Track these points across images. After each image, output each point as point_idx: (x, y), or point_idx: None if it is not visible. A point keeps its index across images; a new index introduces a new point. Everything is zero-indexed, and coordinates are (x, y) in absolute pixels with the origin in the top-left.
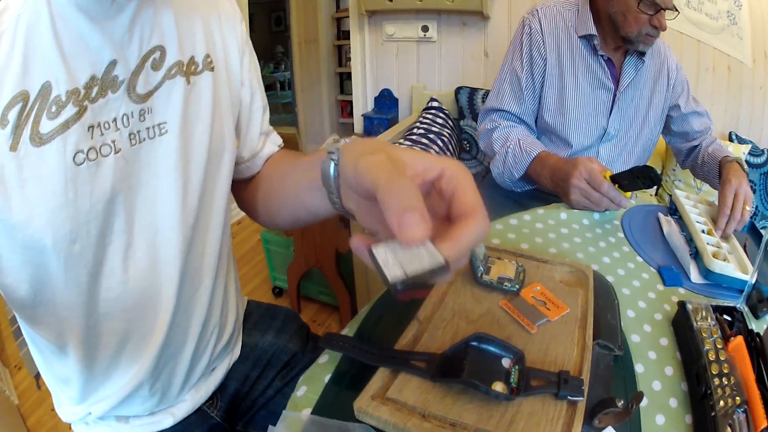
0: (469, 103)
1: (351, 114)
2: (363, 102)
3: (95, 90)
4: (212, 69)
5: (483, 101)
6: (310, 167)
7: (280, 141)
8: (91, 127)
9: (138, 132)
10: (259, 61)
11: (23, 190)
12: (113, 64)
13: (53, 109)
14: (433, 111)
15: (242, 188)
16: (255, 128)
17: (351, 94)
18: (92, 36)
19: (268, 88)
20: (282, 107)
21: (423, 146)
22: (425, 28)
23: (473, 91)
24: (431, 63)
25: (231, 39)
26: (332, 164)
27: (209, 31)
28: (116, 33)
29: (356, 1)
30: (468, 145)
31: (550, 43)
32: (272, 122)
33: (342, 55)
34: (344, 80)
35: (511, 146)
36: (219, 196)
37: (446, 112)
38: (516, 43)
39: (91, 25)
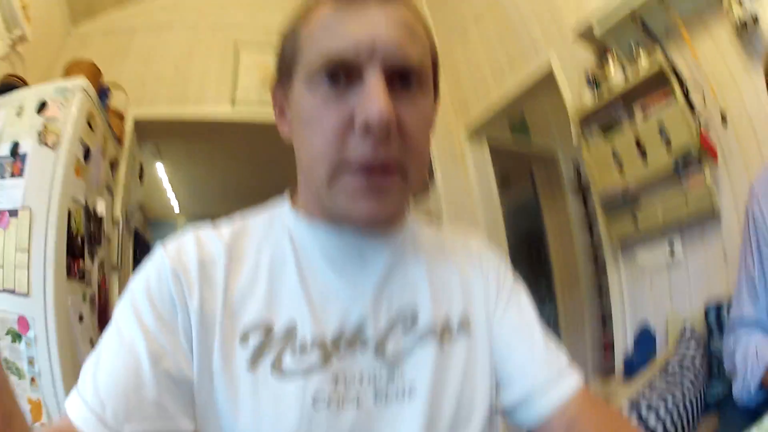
0: (716, 321)
1: (613, 353)
2: (623, 342)
3: (342, 344)
4: (467, 333)
5: (728, 314)
6: None
7: (575, 384)
8: (335, 378)
9: (385, 393)
10: None
11: (256, 408)
12: (362, 322)
13: (298, 350)
14: (685, 340)
15: None
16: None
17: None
18: (340, 289)
19: None
20: None
21: (676, 382)
22: (672, 248)
23: (719, 307)
24: (681, 285)
25: (492, 291)
26: None
27: (467, 290)
28: (366, 291)
29: (607, 234)
30: (717, 369)
31: None
32: None
33: (603, 292)
34: (606, 318)
35: (749, 357)
36: None
37: (697, 336)
38: (744, 237)
39: (339, 278)
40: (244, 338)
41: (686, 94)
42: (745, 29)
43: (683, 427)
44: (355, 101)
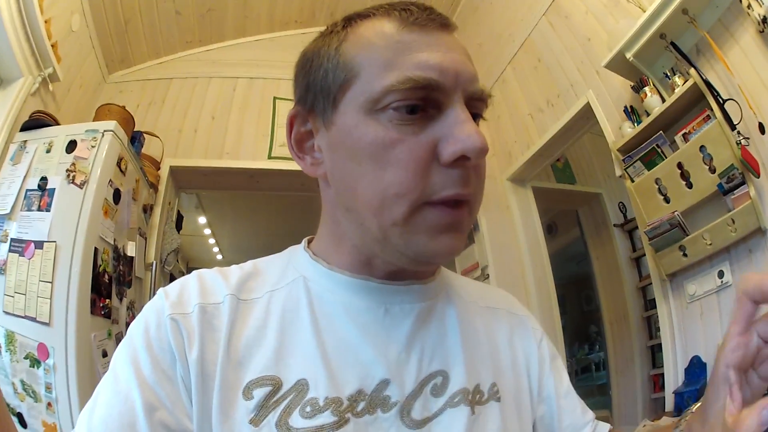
0: None
1: (662, 388)
2: (674, 375)
3: (362, 405)
4: (498, 399)
5: None
6: None
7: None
8: None
9: None
10: (573, 343)
11: None
12: (386, 383)
13: (308, 409)
14: None
15: None
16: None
17: (662, 366)
18: (362, 347)
19: (584, 370)
20: (597, 389)
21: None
22: (721, 274)
23: None
24: (732, 310)
25: (530, 357)
26: None
27: (497, 355)
28: (391, 350)
29: (656, 268)
30: None
31: None
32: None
33: (651, 326)
34: (655, 353)
35: None
36: None
37: None
38: None
39: (361, 335)
40: (248, 392)
41: (723, 109)
42: (767, 24)
43: None
44: (439, 131)
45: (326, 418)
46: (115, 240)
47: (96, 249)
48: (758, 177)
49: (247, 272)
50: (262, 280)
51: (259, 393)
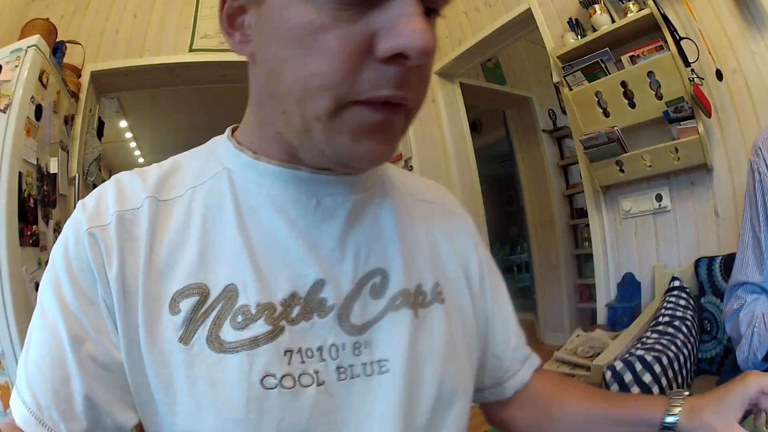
0: (708, 275)
1: (590, 298)
2: (606, 289)
3: (296, 310)
4: (442, 301)
5: (720, 270)
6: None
7: (537, 363)
8: (288, 352)
9: (350, 367)
10: (494, 244)
11: (192, 388)
12: (320, 283)
13: (239, 319)
14: (675, 293)
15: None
16: (504, 353)
17: (589, 277)
18: (291, 244)
19: (506, 270)
20: (520, 291)
21: (669, 336)
22: (659, 197)
23: (711, 261)
24: (669, 236)
25: (469, 259)
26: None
27: (437, 253)
28: (323, 246)
29: (589, 178)
30: (709, 325)
31: None
32: None
33: (577, 235)
34: (582, 263)
35: (756, 325)
36: None
37: (687, 290)
38: (749, 195)
39: (290, 229)
40: (174, 305)
41: (679, 45)
42: None
43: (678, 385)
44: (380, 22)
45: (259, 327)
46: (38, 159)
47: (20, 173)
48: (709, 117)
49: (167, 169)
50: (182, 177)
51: (186, 305)
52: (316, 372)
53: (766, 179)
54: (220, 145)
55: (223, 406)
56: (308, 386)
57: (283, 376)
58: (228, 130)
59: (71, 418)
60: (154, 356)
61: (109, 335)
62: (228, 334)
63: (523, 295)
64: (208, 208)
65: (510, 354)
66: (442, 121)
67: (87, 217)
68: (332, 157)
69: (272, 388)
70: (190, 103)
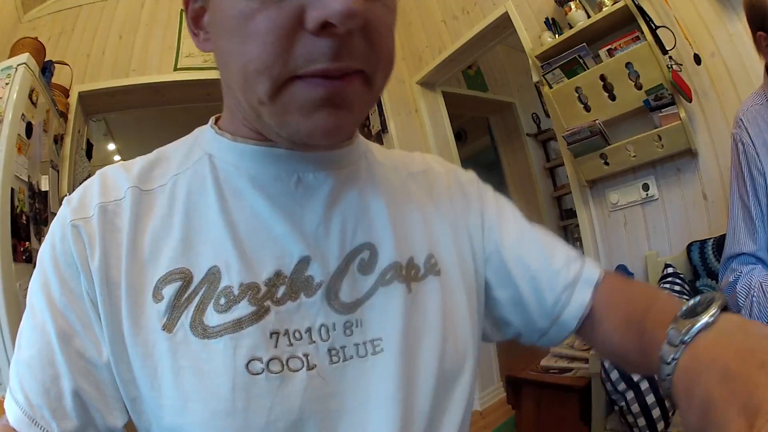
0: (701, 259)
1: None
2: None
3: (282, 290)
4: (438, 273)
5: (713, 252)
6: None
7: (596, 277)
8: (274, 334)
9: (342, 348)
10: None
11: (177, 378)
12: (306, 261)
13: (222, 301)
14: (669, 280)
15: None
16: (545, 285)
17: None
18: (274, 221)
19: None
20: None
21: None
22: (646, 187)
23: (703, 244)
24: (658, 225)
25: (470, 219)
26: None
27: (431, 223)
28: (308, 223)
29: (575, 174)
30: None
31: (764, 153)
32: None
33: (568, 236)
34: None
35: (755, 294)
36: (451, 425)
37: (682, 276)
38: (734, 167)
39: (272, 207)
40: (157, 293)
41: (655, 34)
42: None
43: None
44: None
45: (243, 309)
46: (29, 177)
47: (12, 189)
48: (690, 101)
49: (151, 160)
50: (166, 166)
51: (168, 291)
52: (306, 355)
53: (749, 149)
54: (204, 132)
55: (210, 398)
56: (298, 370)
57: (270, 360)
58: (212, 119)
59: (62, 416)
60: (139, 347)
61: (94, 329)
62: (211, 318)
63: None
64: (190, 194)
65: (552, 283)
66: (426, 130)
67: (71, 210)
68: (288, 137)
69: (258, 374)
70: (175, 124)
